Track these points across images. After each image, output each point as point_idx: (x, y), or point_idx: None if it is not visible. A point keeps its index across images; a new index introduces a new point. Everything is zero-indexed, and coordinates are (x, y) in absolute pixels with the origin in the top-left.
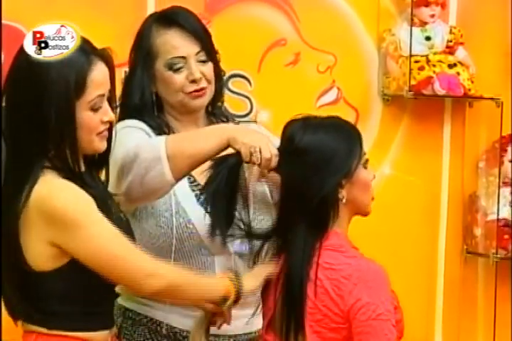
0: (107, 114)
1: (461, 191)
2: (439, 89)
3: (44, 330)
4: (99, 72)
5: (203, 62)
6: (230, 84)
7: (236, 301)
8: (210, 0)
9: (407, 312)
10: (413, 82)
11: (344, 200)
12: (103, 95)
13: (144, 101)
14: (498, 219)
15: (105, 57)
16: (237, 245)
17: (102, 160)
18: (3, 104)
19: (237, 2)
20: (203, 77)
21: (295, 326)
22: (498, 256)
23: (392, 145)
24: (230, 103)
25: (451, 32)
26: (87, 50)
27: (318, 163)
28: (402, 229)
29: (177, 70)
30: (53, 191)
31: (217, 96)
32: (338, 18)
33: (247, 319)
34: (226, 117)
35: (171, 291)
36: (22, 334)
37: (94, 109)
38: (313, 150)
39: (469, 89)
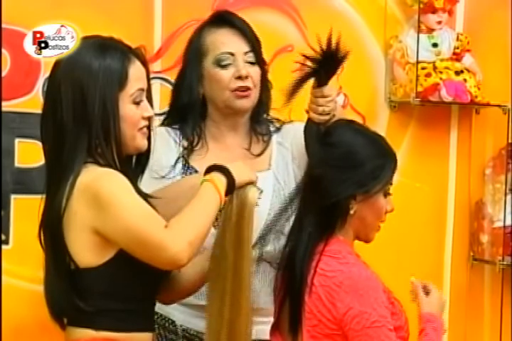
0: (148, 109)
1: (467, 198)
2: (445, 96)
3: (91, 332)
4: (137, 67)
5: (251, 63)
6: None
7: (231, 189)
8: (217, 6)
9: (412, 318)
10: (420, 89)
11: (352, 212)
12: (143, 89)
13: (191, 102)
14: (504, 226)
15: (140, 55)
16: None
17: (140, 163)
18: (44, 101)
19: (244, 8)
20: (249, 76)
21: (293, 330)
22: (505, 263)
23: (398, 151)
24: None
25: (458, 39)
26: (123, 48)
27: (344, 163)
28: (409, 236)
29: (224, 66)
30: (96, 177)
31: (262, 106)
32: (345, 24)
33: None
34: (268, 131)
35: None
36: None
37: (136, 103)
38: (344, 147)
39: (476, 96)
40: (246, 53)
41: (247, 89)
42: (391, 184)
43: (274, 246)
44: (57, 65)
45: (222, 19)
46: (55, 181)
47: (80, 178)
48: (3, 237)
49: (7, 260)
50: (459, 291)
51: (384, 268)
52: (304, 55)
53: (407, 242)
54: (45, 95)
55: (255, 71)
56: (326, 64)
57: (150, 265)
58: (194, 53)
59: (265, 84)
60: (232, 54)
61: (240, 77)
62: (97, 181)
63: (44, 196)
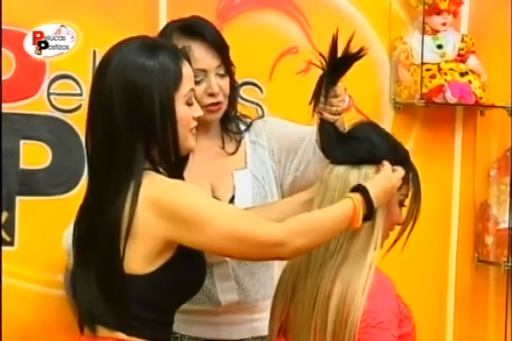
0: (198, 109)
1: (472, 199)
2: (450, 98)
3: (122, 336)
4: (187, 67)
5: (222, 75)
6: (241, 92)
7: (370, 215)
8: (222, 8)
9: (417, 320)
10: (424, 90)
11: None
12: (193, 90)
13: None
14: (509, 228)
15: (186, 55)
16: None
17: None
18: (91, 106)
19: (248, 10)
20: (220, 91)
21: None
22: (510, 264)
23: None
24: (242, 110)
25: (462, 40)
26: (173, 47)
27: (368, 156)
28: (413, 237)
29: (197, 83)
30: (165, 188)
31: (231, 106)
32: (350, 26)
33: (253, 323)
34: (238, 130)
35: (307, 244)
36: None
37: (189, 104)
38: (366, 143)
39: (481, 98)
40: (218, 67)
41: (219, 103)
42: (407, 196)
43: None
44: (103, 68)
45: (194, 30)
46: (108, 187)
47: (145, 188)
48: (9, 239)
49: (12, 261)
50: (464, 293)
51: (388, 270)
52: (319, 54)
53: (412, 243)
54: (94, 100)
55: (226, 82)
56: (339, 63)
57: (190, 278)
58: None
59: (232, 85)
60: (204, 70)
61: (212, 94)
62: (169, 194)
63: (88, 199)
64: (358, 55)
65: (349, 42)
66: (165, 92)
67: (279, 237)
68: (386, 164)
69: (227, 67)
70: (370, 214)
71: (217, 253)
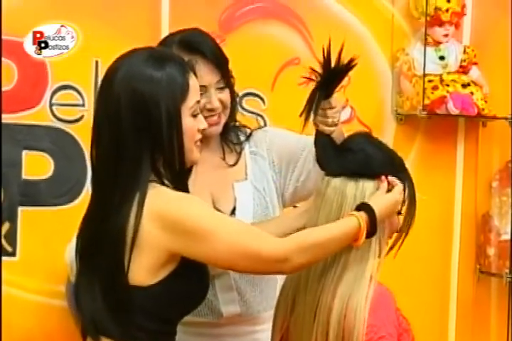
0: (203, 121)
1: (474, 211)
2: (452, 109)
3: None
4: (193, 79)
5: (221, 88)
6: (243, 103)
7: (373, 231)
8: (224, 18)
9: (419, 332)
10: (427, 102)
11: None
12: (199, 102)
13: None
14: (511, 239)
15: (192, 67)
16: None
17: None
18: (97, 116)
19: (250, 21)
20: (220, 105)
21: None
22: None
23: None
24: (244, 121)
25: (464, 51)
26: (179, 59)
27: (361, 169)
28: (415, 249)
29: None
30: (170, 201)
31: (230, 117)
32: (352, 37)
33: (255, 335)
34: (238, 141)
35: (310, 261)
36: None
37: (194, 116)
38: (362, 154)
39: (483, 109)
40: (218, 81)
41: (219, 117)
42: (403, 203)
43: None
44: (110, 78)
45: (193, 46)
46: (114, 196)
47: (150, 199)
48: (11, 249)
49: (14, 272)
50: (466, 304)
51: (390, 281)
52: (311, 68)
53: (414, 255)
54: (100, 109)
55: (226, 94)
56: (331, 75)
57: (193, 290)
58: None
59: (233, 98)
60: (204, 86)
61: (211, 109)
62: (174, 207)
63: (92, 209)
64: (348, 67)
65: (339, 54)
66: (172, 103)
67: (282, 253)
68: (397, 187)
69: (227, 80)
70: (373, 232)
71: (220, 266)
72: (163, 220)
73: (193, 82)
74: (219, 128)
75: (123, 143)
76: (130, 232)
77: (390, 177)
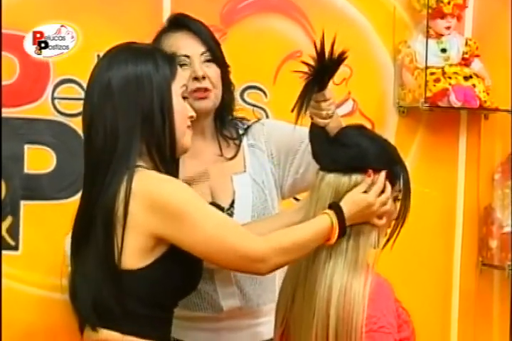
0: (190, 109)
1: (476, 203)
2: (454, 101)
3: (117, 335)
4: (179, 68)
5: (208, 61)
6: (245, 96)
7: (343, 231)
8: (225, 12)
9: (422, 324)
10: (429, 94)
11: None
12: (186, 86)
13: None
14: None
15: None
16: None
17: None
18: (88, 101)
19: (252, 14)
20: (207, 77)
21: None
22: None
23: (407, 157)
24: (246, 115)
25: (466, 44)
26: (168, 52)
27: (355, 163)
28: (417, 241)
29: (181, 67)
30: (158, 183)
31: (226, 108)
32: (354, 29)
33: (256, 328)
34: (237, 135)
35: (286, 262)
36: None
37: (184, 97)
38: (355, 148)
39: (485, 101)
40: (202, 54)
41: (206, 90)
42: (400, 190)
43: None
44: (102, 64)
45: (179, 23)
46: (102, 179)
47: (137, 182)
48: (13, 243)
49: (16, 266)
50: (468, 296)
51: (392, 274)
52: (302, 62)
53: (416, 247)
54: (91, 91)
55: (214, 71)
56: (323, 68)
57: (185, 274)
58: None
59: (227, 86)
60: (187, 56)
61: (196, 78)
62: (161, 189)
63: (85, 193)
64: (339, 59)
65: (332, 46)
66: (163, 80)
67: (261, 253)
68: (374, 188)
69: (215, 55)
70: (343, 232)
71: (198, 254)
72: (150, 201)
73: (180, 70)
74: (209, 103)
75: (115, 123)
76: (118, 214)
77: (377, 175)
